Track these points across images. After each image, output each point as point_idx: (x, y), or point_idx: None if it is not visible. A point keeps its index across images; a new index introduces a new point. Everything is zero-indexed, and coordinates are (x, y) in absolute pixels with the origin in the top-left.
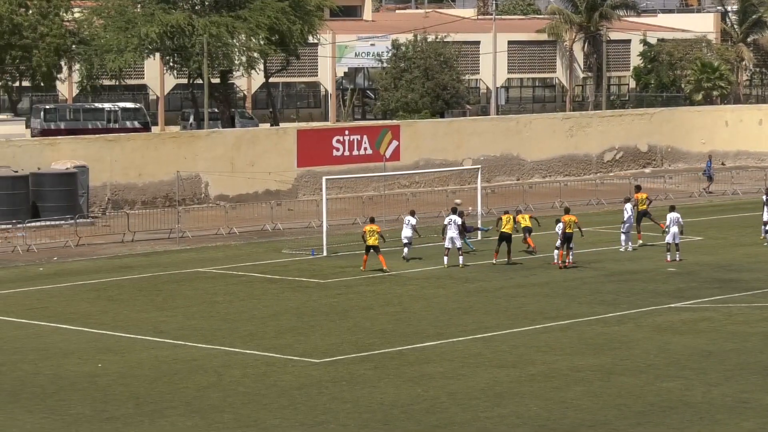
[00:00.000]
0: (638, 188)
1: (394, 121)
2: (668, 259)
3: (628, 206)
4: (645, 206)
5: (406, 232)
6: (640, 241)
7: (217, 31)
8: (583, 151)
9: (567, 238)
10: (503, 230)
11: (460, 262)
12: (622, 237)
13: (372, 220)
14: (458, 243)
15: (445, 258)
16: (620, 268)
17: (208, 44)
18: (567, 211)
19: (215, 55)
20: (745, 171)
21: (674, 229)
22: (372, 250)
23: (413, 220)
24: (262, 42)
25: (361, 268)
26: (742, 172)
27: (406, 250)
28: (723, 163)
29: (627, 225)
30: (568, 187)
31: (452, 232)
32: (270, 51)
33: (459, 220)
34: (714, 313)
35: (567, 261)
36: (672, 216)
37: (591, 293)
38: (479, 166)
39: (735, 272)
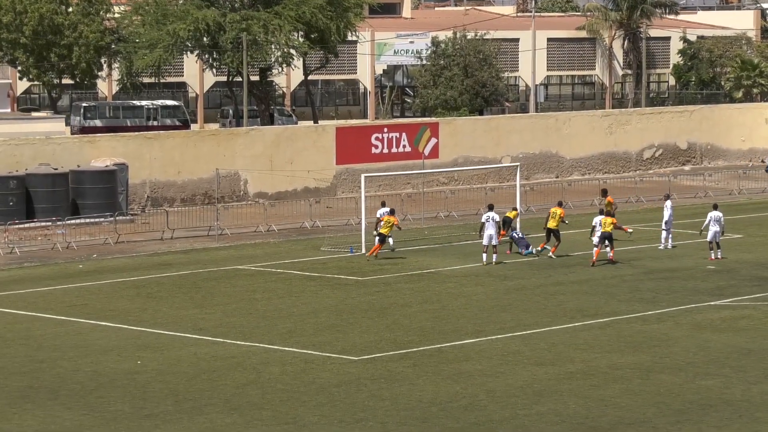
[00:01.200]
0: (605, 193)
1: (433, 119)
2: (712, 257)
3: (669, 204)
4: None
5: (490, 230)
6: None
7: (249, 26)
8: (622, 148)
9: (605, 237)
10: (548, 226)
11: (494, 259)
12: (663, 234)
13: (392, 212)
14: (495, 240)
15: (484, 255)
16: (659, 266)
17: (243, 41)
18: (602, 212)
19: (250, 51)
20: None
21: (715, 227)
22: (380, 238)
23: (496, 217)
24: (300, 39)
25: (367, 255)
26: None
27: (390, 241)
28: (763, 161)
29: (668, 223)
30: (607, 184)
31: (490, 230)
32: (306, 47)
33: (497, 217)
34: (754, 311)
35: (606, 258)
36: (713, 214)
37: (630, 291)
38: (518, 163)
39: None
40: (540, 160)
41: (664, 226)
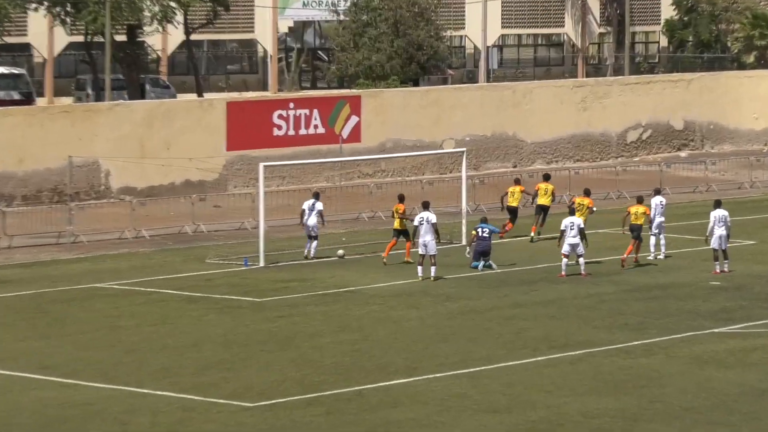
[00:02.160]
0: (547, 177)
1: (354, 91)
2: (717, 270)
3: (659, 201)
4: (549, 199)
5: (312, 221)
6: (533, 234)
7: None
8: (599, 129)
9: (633, 229)
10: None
11: (432, 273)
12: (652, 240)
13: (401, 199)
14: (432, 249)
15: (419, 269)
16: (648, 282)
17: None
18: (640, 200)
19: (118, 5)
20: None
21: (721, 231)
22: (400, 236)
23: (319, 205)
24: None
25: (383, 255)
26: None
27: (313, 245)
28: None
29: (658, 226)
30: (580, 175)
31: (426, 235)
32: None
33: (433, 218)
34: None
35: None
36: (717, 214)
37: (610, 314)
38: (464, 149)
39: None
40: (493, 145)
41: (653, 230)
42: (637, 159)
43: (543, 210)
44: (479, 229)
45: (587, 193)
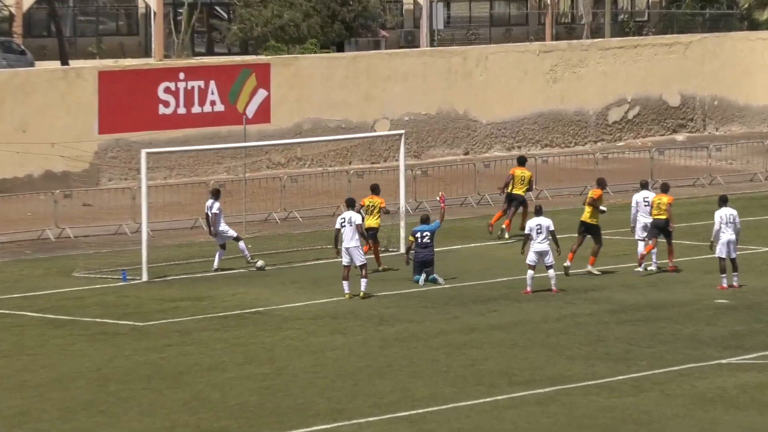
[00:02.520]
0: (522, 161)
1: (262, 58)
2: (724, 284)
3: (645, 196)
4: (523, 189)
5: (351, 242)
6: (507, 234)
7: None
8: (573, 105)
9: (656, 225)
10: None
11: (363, 288)
12: (639, 247)
13: (374, 189)
14: (359, 259)
15: (345, 284)
16: (637, 300)
17: None
18: (665, 188)
19: None
20: None
21: (728, 235)
22: (370, 238)
23: (217, 205)
24: None
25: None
26: None
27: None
28: None
29: (646, 228)
30: (548, 164)
31: (351, 241)
32: None
33: (358, 219)
34: None
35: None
36: (723, 214)
37: (589, 341)
38: (402, 131)
39: None
40: (439, 127)
41: (639, 234)
42: (622, 144)
43: (518, 202)
44: (418, 233)
45: (601, 184)
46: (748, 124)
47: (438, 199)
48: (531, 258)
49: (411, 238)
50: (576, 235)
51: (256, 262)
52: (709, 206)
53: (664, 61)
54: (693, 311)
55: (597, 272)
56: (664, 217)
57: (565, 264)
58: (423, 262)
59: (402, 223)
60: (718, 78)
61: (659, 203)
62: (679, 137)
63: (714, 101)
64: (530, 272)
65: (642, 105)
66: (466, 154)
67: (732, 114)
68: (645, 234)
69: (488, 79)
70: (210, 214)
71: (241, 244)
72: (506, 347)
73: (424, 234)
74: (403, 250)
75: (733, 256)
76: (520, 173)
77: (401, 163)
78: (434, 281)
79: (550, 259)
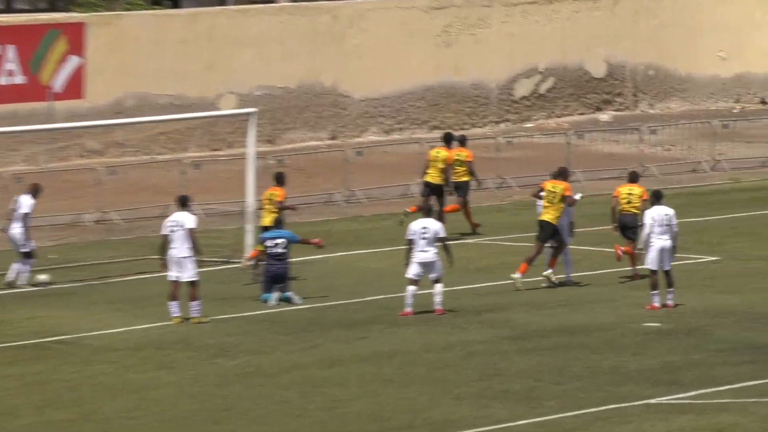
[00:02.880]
0: (449, 139)
1: (75, 15)
2: (656, 303)
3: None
4: (438, 176)
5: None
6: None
7: None
8: (471, 76)
9: (625, 224)
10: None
11: (194, 311)
12: (548, 256)
13: (279, 179)
14: (189, 272)
15: (173, 305)
16: (543, 322)
17: None
18: (633, 178)
19: None
20: None
21: (662, 241)
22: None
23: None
24: None
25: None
26: None
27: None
28: (764, 101)
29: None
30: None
31: (180, 251)
32: None
33: (190, 223)
34: (742, 416)
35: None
36: (657, 214)
37: (483, 376)
38: (254, 109)
39: None
40: (299, 104)
41: (551, 241)
42: (531, 125)
43: (431, 189)
44: (270, 241)
45: (563, 174)
46: (692, 99)
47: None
48: (413, 271)
49: (259, 247)
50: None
51: (37, 276)
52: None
53: (587, 21)
54: (615, 337)
55: (555, 280)
56: (635, 210)
57: (514, 275)
58: (275, 276)
59: (249, 227)
60: (655, 42)
61: (630, 195)
62: (604, 117)
63: (648, 71)
64: (411, 288)
65: (558, 76)
66: (334, 138)
67: (671, 87)
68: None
69: (364, 43)
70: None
71: (25, 265)
72: (378, 384)
73: (277, 241)
74: (248, 261)
75: (668, 267)
76: (435, 154)
77: (250, 150)
78: (288, 301)
79: (437, 272)
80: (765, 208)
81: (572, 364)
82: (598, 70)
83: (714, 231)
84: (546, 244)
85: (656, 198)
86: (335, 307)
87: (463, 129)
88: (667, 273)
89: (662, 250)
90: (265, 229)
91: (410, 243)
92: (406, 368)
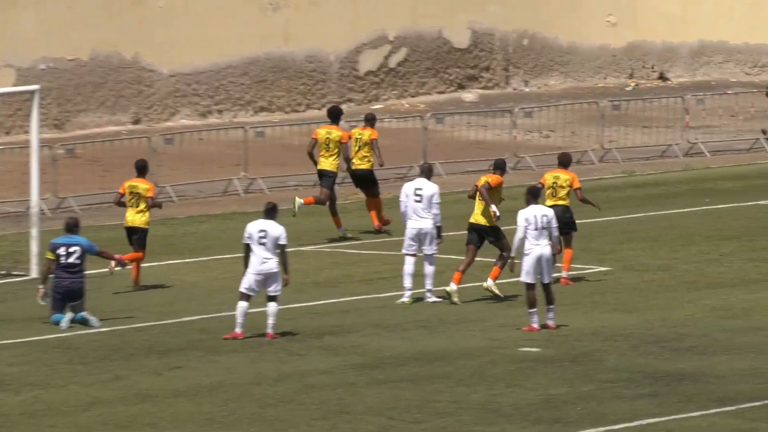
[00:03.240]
0: (371, 120)
1: None
2: (534, 324)
3: (412, 188)
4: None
5: None
6: (341, 231)
7: None
8: (305, 47)
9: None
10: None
11: None
12: (407, 269)
13: (140, 169)
14: None
15: None
16: (398, 347)
17: None
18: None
19: None
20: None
21: (540, 248)
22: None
23: None
24: None
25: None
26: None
27: None
28: (663, 76)
29: (420, 236)
30: (266, 140)
31: None
32: None
33: None
34: None
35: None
36: (533, 215)
37: (325, 414)
38: (35, 86)
39: (697, 354)
40: (94, 80)
41: (406, 248)
42: (380, 106)
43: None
44: (61, 249)
45: (566, 162)
46: (575, 75)
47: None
48: (247, 283)
49: (50, 255)
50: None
51: None
52: (512, 203)
53: None
54: (486, 366)
55: (498, 292)
56: (563, 203)
57: (449, 288)
58: (68, 293)
59: (34, 231)
60: (530, 4)
61: (555, 183)
62: (469, 96)
63: (522, 40)
64: (242, 305)
65: (411, 46)
66: (137, 122)
67: (550, 60)
68: (418, 246)
69: (171, 6)
70: None
71: None
72: (197, 425)
73: (71, 249)
74: (35, 274)
75: (547, 280)
76: (359, 133)
77: (33, 137)
78: (84, 322)
79: (276, 287)
80: (665, 208)
81: (434, 398)
82: (461, 39)
83: (604, 236)
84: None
85: (532, 196)
86: (143, 330)
87: (296, 111)
88: (546, 287)
89: (540, 259)
90: (130, 231)
91: (247, 248)
92: (231, 405)
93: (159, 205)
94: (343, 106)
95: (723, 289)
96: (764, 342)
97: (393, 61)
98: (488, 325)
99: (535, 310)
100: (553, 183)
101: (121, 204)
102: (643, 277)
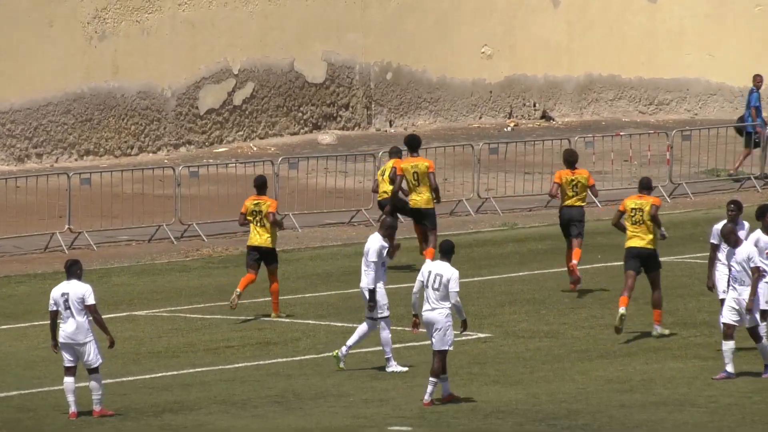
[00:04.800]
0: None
1: None
2: (426, 398)
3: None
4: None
5: None
6: None
7: None
8: (137, 81)
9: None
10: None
11: None
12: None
13: (260, 186)
14: None
15: None
16: (242, 430)
17: None
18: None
19: None
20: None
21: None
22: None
23: None
24: None
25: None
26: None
27: None
28: (546, 115)
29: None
30: (92, 187)
31: None
32: None
33: None
34: None
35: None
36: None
37: None
38: None
39: None
40: None
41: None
42: (224, 149)
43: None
44: None
45: (571, 161)
46: (446, 113)
47: None
48: (65, 354)
49: None
50: None
51: None
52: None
53: (298, 3)
54: None
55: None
56: (580, 204)
57: (621, 310)
58: None
59: None
60: (394, 33)
61: (574, 180)
62: (326, 137)
63: (386, 73)
64: (68, 381)
65: (259, 81)
66: None
67: (417, 97)
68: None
69: None
70: None
71: None
72: None
73: None
74: None
75: (446, 347)
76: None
77: None
78: None
79: (95, 357)
80: (551, 265)
81: None
82: (316, 72)
83: (482, 297)
84: None
85: (441, 251)
86: None
87: (126, 155)
88: (438, 353)
89: (430, 325)
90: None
91: (54, 316)
92: None
93: (280, 225)
94: (181, 150)
95: (619, 358)
96: (666, 419)
97: (238, 98)
98: (351, 400)
99: (436, 380)
100: (572, 180)
101: None
102: (528, 345)
